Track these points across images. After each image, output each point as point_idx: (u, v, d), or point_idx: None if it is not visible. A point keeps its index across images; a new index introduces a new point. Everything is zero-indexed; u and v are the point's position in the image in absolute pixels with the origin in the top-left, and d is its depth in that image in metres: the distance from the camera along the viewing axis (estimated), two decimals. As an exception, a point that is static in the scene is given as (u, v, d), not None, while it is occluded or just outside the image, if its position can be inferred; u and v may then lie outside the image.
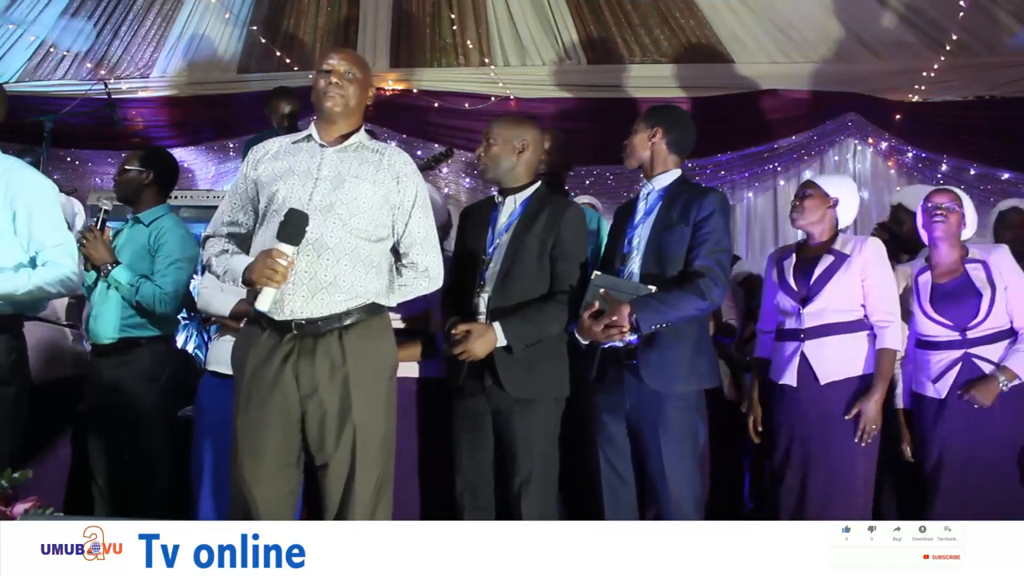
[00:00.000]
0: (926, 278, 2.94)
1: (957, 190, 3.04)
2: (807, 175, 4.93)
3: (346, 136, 2.29)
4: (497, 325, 2.48)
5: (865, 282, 2.78)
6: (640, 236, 2.63)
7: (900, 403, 2.92)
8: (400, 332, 2.79)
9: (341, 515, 2.16)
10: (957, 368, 2.83)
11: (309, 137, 2.31)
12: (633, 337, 2.48)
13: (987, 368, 2.80)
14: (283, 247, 2.09)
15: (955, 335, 2.85)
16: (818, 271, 2.80)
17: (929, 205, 2.94)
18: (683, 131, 2.74)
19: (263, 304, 2.11)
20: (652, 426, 2.51)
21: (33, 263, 2.47)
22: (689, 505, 2.50)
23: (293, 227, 2.10)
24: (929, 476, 2.86)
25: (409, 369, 2.81)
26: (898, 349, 2.80)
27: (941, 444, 2.82)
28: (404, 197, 2.28)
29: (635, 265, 2.60)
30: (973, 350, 2.83)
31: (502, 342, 2.47)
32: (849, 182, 3.02)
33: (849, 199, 2.92)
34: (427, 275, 2.32)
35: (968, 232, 2.99)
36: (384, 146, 2.35)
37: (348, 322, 2.18)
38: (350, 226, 2.19)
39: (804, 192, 2.90)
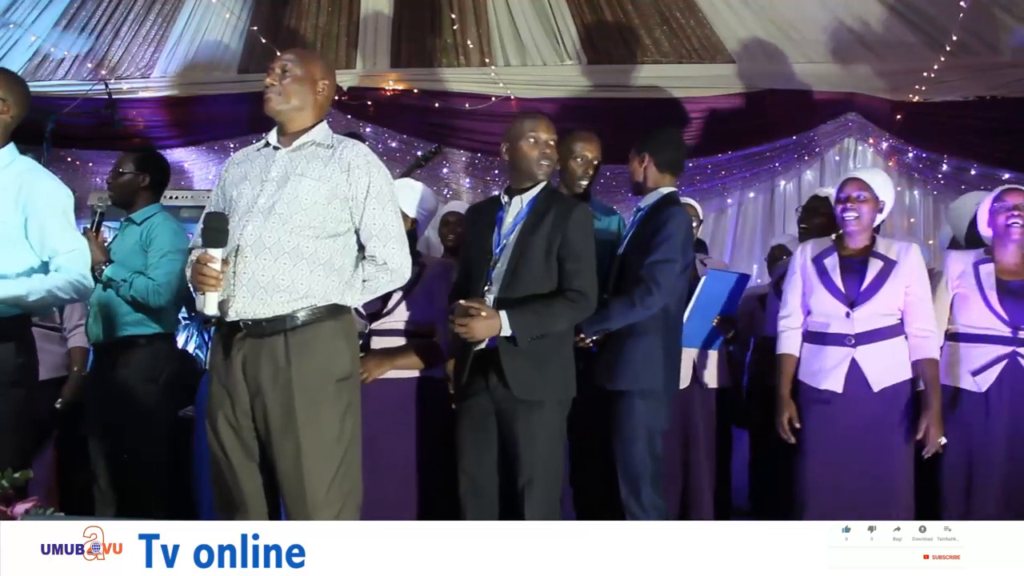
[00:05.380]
0: (989, 269, 2.90)
1: None
2: (807, 175, 4.93)
3: (301, 135, 2.29)
4: (504, 314, 2.46)
5: (909, 290, 2.76)
6: (619, 254, 2.85)
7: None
8: (407, 336, 2.81)
9: (295, 515, 2.16)
10: (1002, 364, 2.82)
11: (267, 142, 2.32)
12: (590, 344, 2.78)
13: None
14: (210, 252, 2.13)
15: (1006, 331, 2.83)
16: (869, 276, 2.77)
17: (1003, 204, 2.91)
18: (670, 151, 2.88)
19: (209, 308, 2.15)
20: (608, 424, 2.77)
21: (45, 268, 2.46)
22: (643, 482, 2.68)
23: (212, 231, 2.15)
24: (957, 469, 2.81)
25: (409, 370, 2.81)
26: (938, 358, 2.79)
27: (978, 439, 2.80)
28: (356, 189, 2.23)
29: (611, 283, 2.80)
30: (1021, 349, 2.83)
31: (507, 332, 2.46)
32: (890, 182, 2.97)
33: (890, 203, 2.91)
34: (387, 268, 2.26)
35: None
36: (341, 139, 2.32)
37: (295, 323, 2.17)
38: (291, 224, 2.17)
39: (860, 194, 2.81)
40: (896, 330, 2.77)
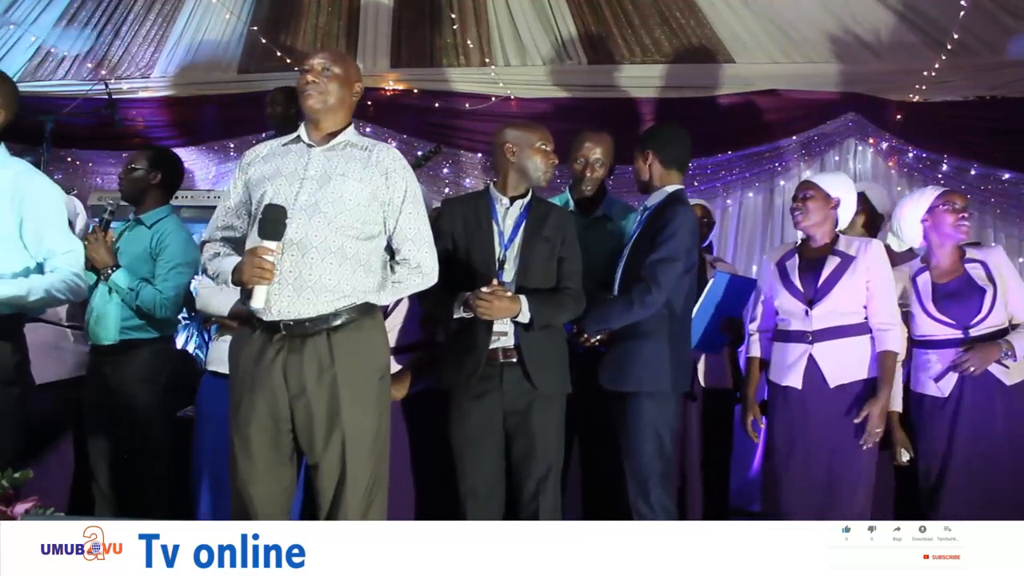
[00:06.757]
0: (925, 278, 2.95)
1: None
2: (807, 175, 4.93)
3: (334, 135, 2.29)
4: (524, 299, 2.53)
5: (870, 284, 2.79)
6: (625, 254, 2.84)
7: (894, 406, 2.89)
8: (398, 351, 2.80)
9: (333, 515, 2.17)
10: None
11: (298, 138, 2.31)
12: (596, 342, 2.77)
13: (991, 367, 2.82)
14: (267, 244, 2.11)
15: (957, 333, 2.86)
16: (825, 272, 2.80)
17: (952, 207, 2.93)
18: (674, 146, 2.87)
19: (258, 302, 2.13)
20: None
21: (40, 268, 2.47)
22: (652, 483, 2.66)
23: (271, 223, 2.12)
24: (931, 474, 2.86)
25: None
26: (899, 352, 2.80)
27: (945, 442, 2.83)
28: (393, 193, 2.26)
29: (616, 282, 2.80)
30: None
31: (525, 316, 2.53)
32: (848, 181, 3.01)
33: (849, 200, 2.93)
34: (420, 271, 2.30)
35: None
36: (373, 143, 2.34)
37: (337, 322, 2.18)
38: (336, 224, 2.18)
39: (805, 193, 2.89)
40: (857, 329, 2.80)
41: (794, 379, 2.81)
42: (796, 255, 2.93)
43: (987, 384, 2.82)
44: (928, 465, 2.86)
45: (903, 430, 2.89)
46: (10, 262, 2.43)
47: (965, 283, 2.90)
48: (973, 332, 2.85)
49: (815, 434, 2.76)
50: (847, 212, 2.94)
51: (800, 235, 2.98)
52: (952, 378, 2.85)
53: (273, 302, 2.15)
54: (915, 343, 2.96)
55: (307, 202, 2.19)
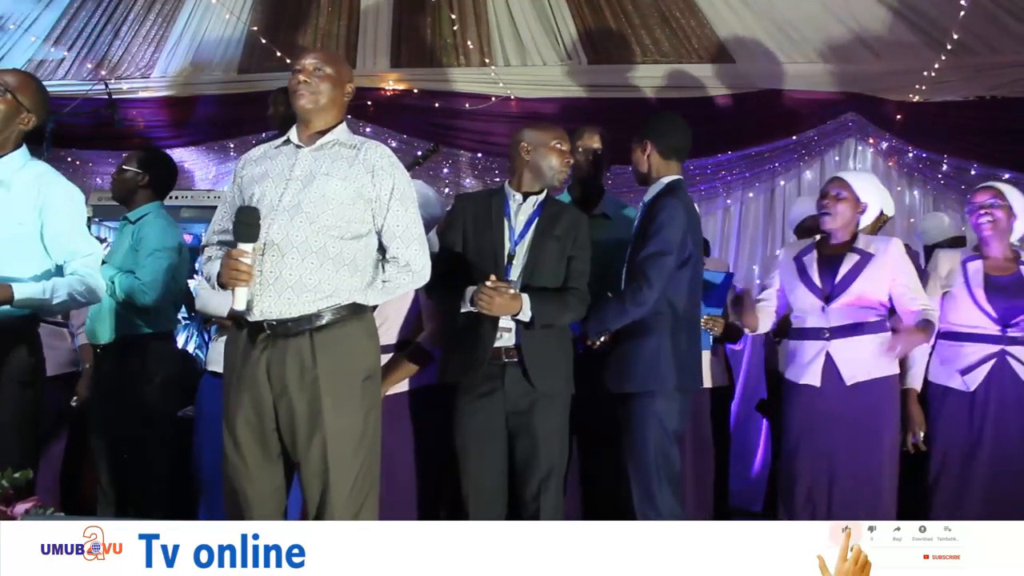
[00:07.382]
0: (977, 266, 2.93)
1: (1002, 185, 3.05)
2: (807, 175, 4.93)
3: (323, 134, 2.28)
4: (526, 297, 2.52)
5: (896, 281, 2.79)
6: (628, 252, 2.78)
7: (913, 383, 2.85)
8: (391, 348, 2.78)
9: (320, 516, 2.16)
10: (991, 364, 2.84)
11: (288, 140, 2.31)
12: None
13: (1020, 369, 2.82)
14: (242, 246, 2.11)
15: (995, 329, 2.85)
16: (844, 269, 2.79)
17: (972, 205, 2.97)
18: (673, 135, 2.83)
19: (239, 304, 2.13)
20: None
21: (60, 271, 2.47)
22: (656, 485, 2.60)
23: (244, 225, 2.13)
24: (949, 469, 2.83)
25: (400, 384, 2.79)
26: (930, 338, 2.79)
27: (969, 438, 2.81)
28: (380, 190, 2.24)
29: (622, 281, 2.75)
30: (1010, 348, 2.84)
31: (526, 315, 2.52)
32: (878, 185, 3.02)
33: (875, 207, 2.94)
34: (409, 270, 2.27)
35: (1021, 224, 2.99)
36: (363, 141, 2.32)
37: (321, 322, 2.17)
38: (318, 224, 2.17)
39: (839, 192, 2.85)
40: (874, 327, 2.78)
41: (811, 377, 2.78)
42: (815, 250, 2.91)
43: (1015, 383, 2.81)
44: (945, 459, 2.84)
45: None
46: (32, 264, 2.43)
47: (1018, 281, 2.89)
48: (1011, 332, 2.84)
49: (835, 433, 2.73)
50: (869, 217, 2.95)
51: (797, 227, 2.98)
52: (980, 374, 2.83)
53: (256, 303, 2.15)
54: (943, 335, 2.93)
55: (290, 203, 2.19)
